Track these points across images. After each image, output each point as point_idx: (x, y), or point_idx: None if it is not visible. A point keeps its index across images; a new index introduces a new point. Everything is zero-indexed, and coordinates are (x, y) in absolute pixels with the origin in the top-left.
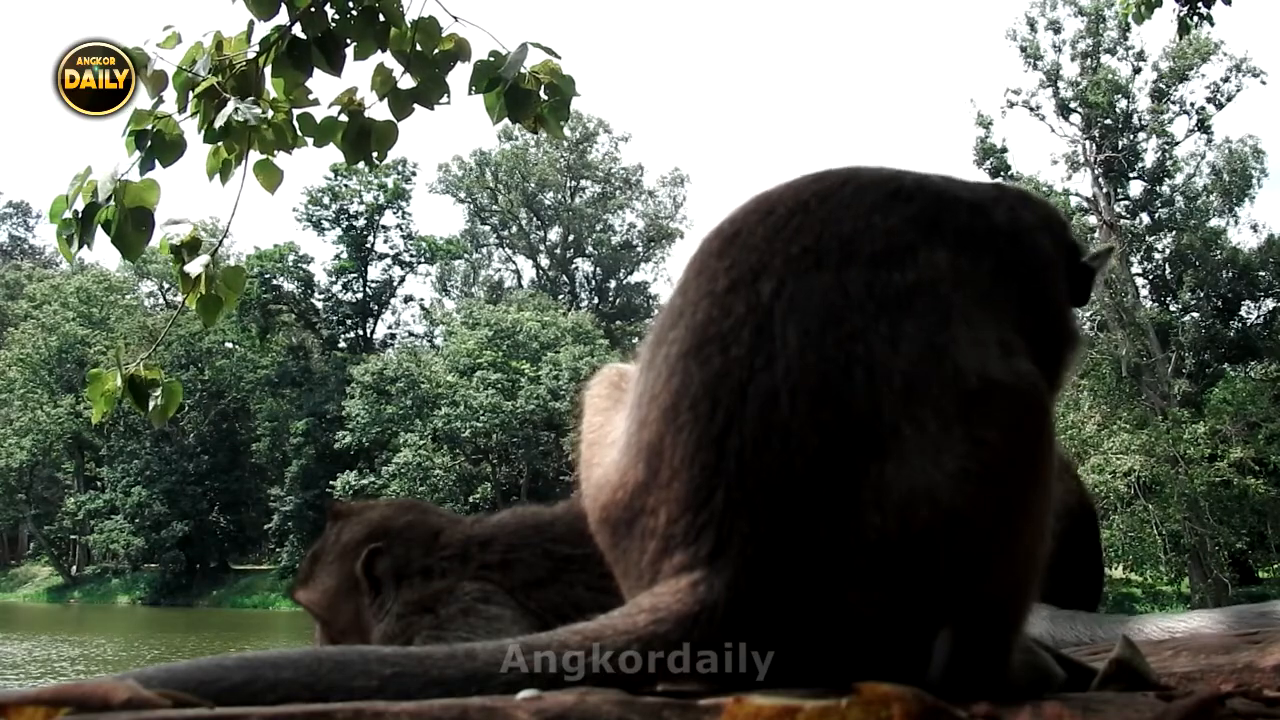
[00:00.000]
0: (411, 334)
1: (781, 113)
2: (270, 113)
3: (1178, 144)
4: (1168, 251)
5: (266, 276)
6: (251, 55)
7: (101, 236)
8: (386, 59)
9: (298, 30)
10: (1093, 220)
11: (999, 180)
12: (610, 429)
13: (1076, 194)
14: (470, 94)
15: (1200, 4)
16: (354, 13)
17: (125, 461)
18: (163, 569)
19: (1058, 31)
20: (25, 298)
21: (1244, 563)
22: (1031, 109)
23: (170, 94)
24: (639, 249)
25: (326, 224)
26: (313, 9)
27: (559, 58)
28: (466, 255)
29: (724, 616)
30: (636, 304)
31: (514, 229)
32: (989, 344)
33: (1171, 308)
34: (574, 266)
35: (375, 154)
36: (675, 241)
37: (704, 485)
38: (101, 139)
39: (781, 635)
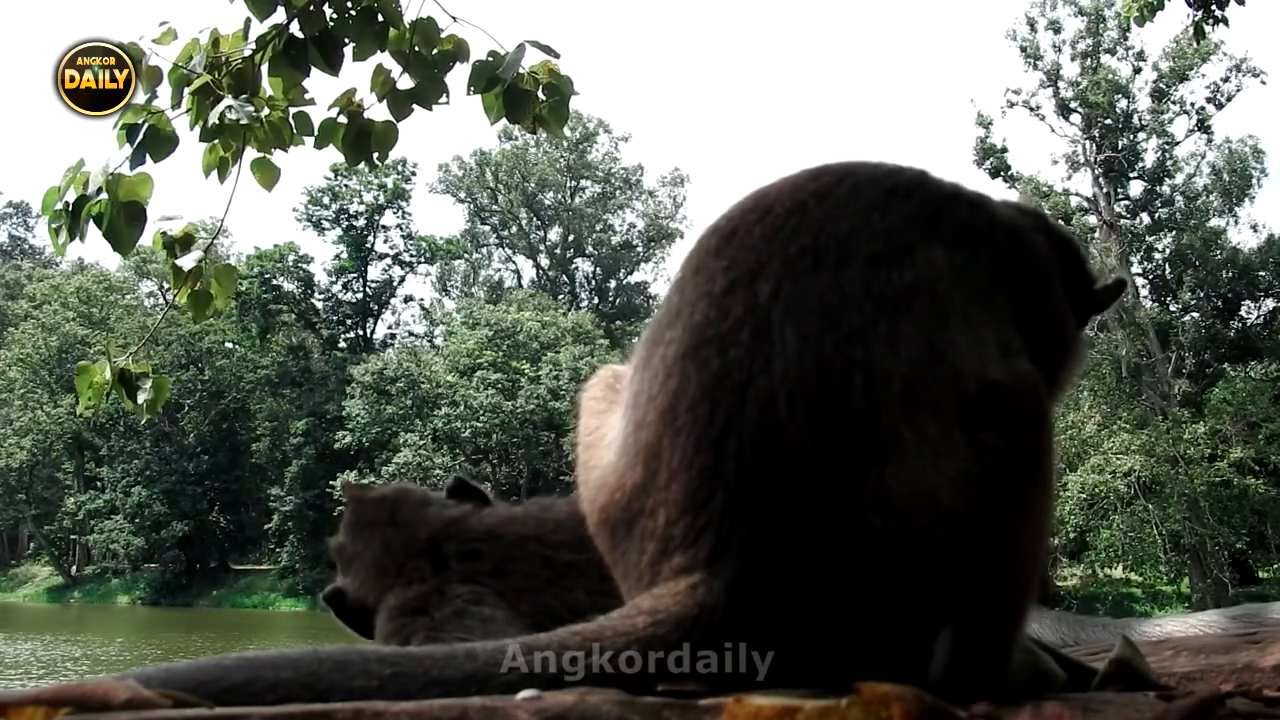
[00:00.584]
0: (411, 334)
1: (781, 113)
2: (266, 111)
3: (1178, 144)
4: (1168, 251)
5: (266, 276)
6: (248, 53)
7: (94, 231)
8: (385, 59)
9: (295, 29)
10: (1093, 220)
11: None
12: (607, 431)
13: (1076, 194)
14: (469, 94)
15: (1214, 6)
16: (352, 12)
17: (125, 461)
18: (163, 569)
19: (1058, 31)
20: (25, 298)
21: (1244, 563)
22: (1031, 109)
23: (165, 89)
24: (639, 249)
25: (326, 224)
26: (310, 8)
27: (558, 57)
28: (466, 255)
29: (723, 618)
30: (636, 304)
31: (514, 229)
32: (988, 344)
33: (1171, 308)
34: (574, 266)
35: (376, 155)
36: (675, 241)
37: (703, 487)
38: (102, 139)
39: (781, 636)
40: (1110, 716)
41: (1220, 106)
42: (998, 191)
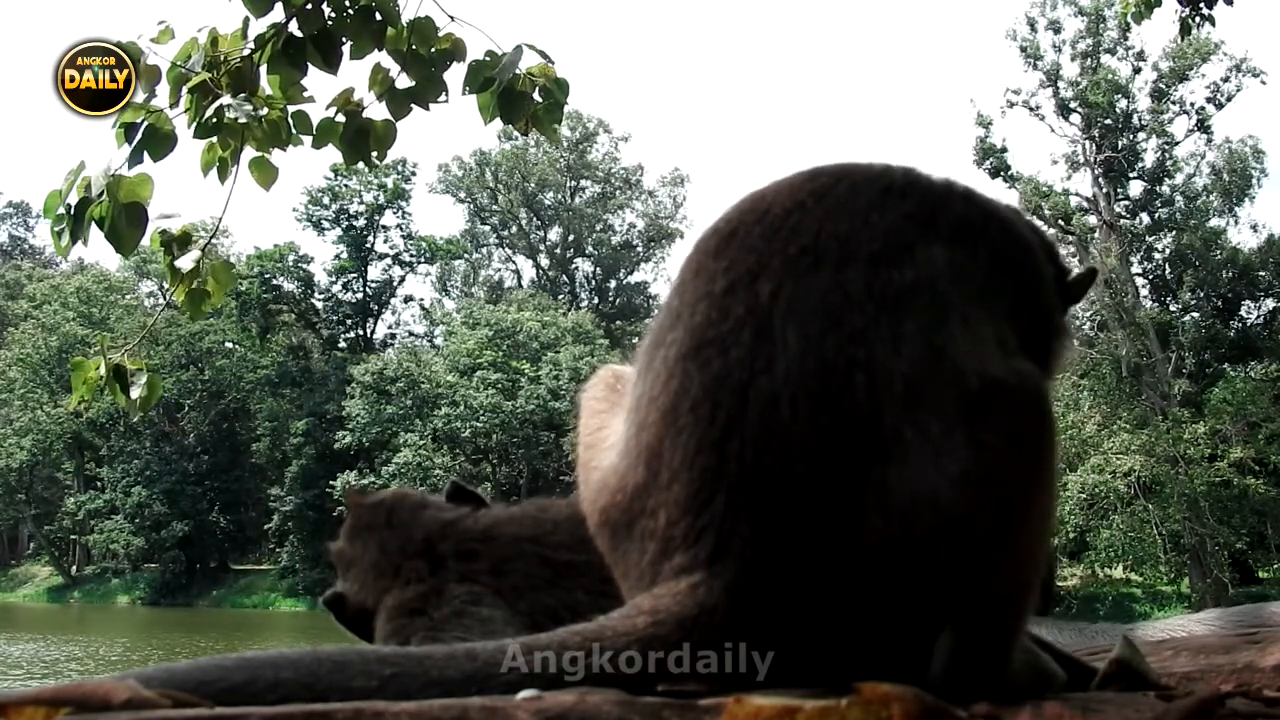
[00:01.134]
0: (411, 334)
1: (781, 113)
2: (264, 110)
3: (1178, 144)
4: (1168, 251)
5: (266, 276)
6: (247, 52)
7: (95, 232)
8: (383, 58)
9: (294, 28)
10: (1093, 220)
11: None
12: (608, 431)
13: (1076, 194)
14: (464, 94)
15: (1202, 4)
16: (350, 11)
17: (125, 461)
18: (163, 569)
19: (1058, 31)
20: (25, 298)
21: (1244, 563)
22: (1031, 109)
23: (163, 88)
24: (639, 249)
25: (326, 224)
26: (308, 6)
27: (553, 61)
28: (466, 255)
29: (724, 618)
30: (636, 304)
31: (514, 229)
32: (988, 342)
33: (1171, 308)
34: (574, 266)
35: (374, 154)
36: (675, 241)
37: (704, 488)
38: (101, 139)
39: (781, 637)
40: (1110, 716)
41: (1220, 106)
42: (998, 191)
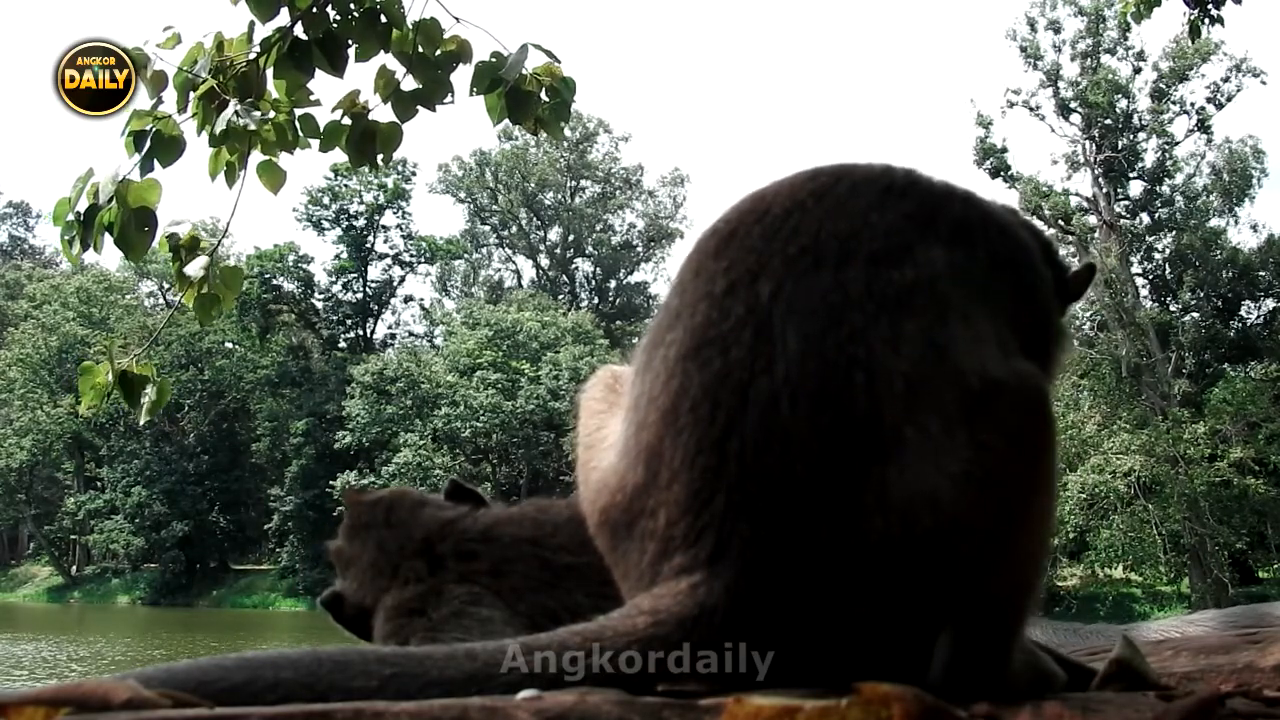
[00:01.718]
0: (411, 334)
1: (781, 113)
2: (271, 114)
3: (1178, 144)
4: (1168, 251)
5: (266, 276)
6: (253, 56)
7: (106, 239)
8: (388, 60)
9: (299, 31)
10: (1093, 220)
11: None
12: (608, 431)
13: (1076, 194)
14: (471, 95)
15: (1210, 5)
16: (355, 14)
17: (125, 461)
18: (163, 569)
19: (1058, 31)
20: (25, 298)
21: (1244, 563)
22: (1031, 109)
23: (170, 94)
24: (639, 249)
25: (326, 224)
26: (314, 10)
27: (559, 61)
28: (466, 255)
29: (724, 618)
30: (636, 304)
31: (514, 229)
32: (988, 342)
33: (1171, 308)
34: (574, 266)
35: (380, 156)
36: (675, 241)
37: (704, 488)
38: (102, 139)
39: (781, 637)
40: (1110, 716)
41: (1220, 106)
42: (998, 191)
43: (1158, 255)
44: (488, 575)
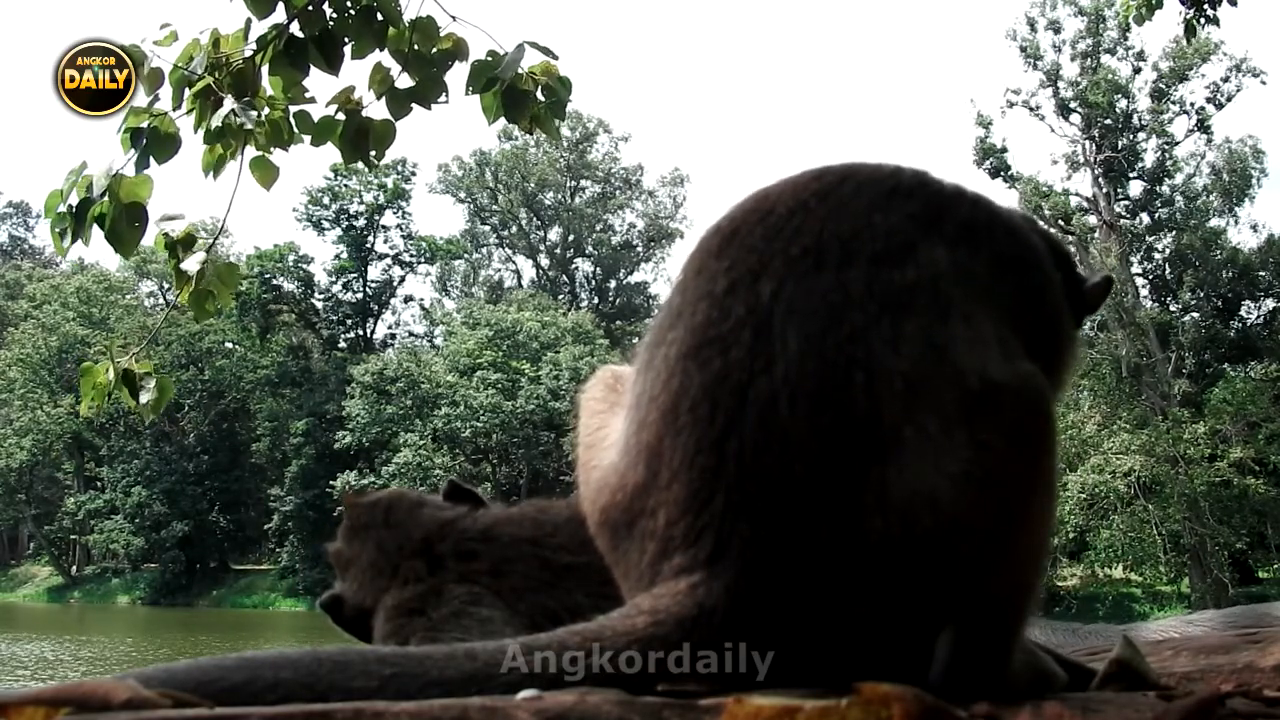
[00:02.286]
0: (411, 334)
1: (782, 113)
2: (266, 111)
3: (1178, 144)
4: (1168, 251)
5: (266, 276)
6: (249, 53)
7: (96, 232)
8: (384, 58)
9: (295, 29)
10: (1093, 220)
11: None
12: (608, 431)
13: (1076, 194)
14: (467, 94)
15: (1206, 5)
16: (351, 12)
17: (125, 461)
18: (163, 569)
19: (1058, 31)
20: (25, 298)
21: (1244, 563)
22: (1031, 109)
23: (166, 91)
24: (639, 249)
25: (326, 224)
26: (310, 7)
27: (556, 59)
28: (466, 255)
29: (723, 618)
30: (636, 304)
31: (514, 229)
32: (989, 343)
33: (1171, 308)
34: (574, 266)
35: (374, 153)
36: (675, 241)
37: (704, 488)
38: (102, 139)
39: (781, 637)
40: (1110, 716)
41: (1220, 106)
42: (998, 191)
43: (1158, 255)
44: (488, 575)
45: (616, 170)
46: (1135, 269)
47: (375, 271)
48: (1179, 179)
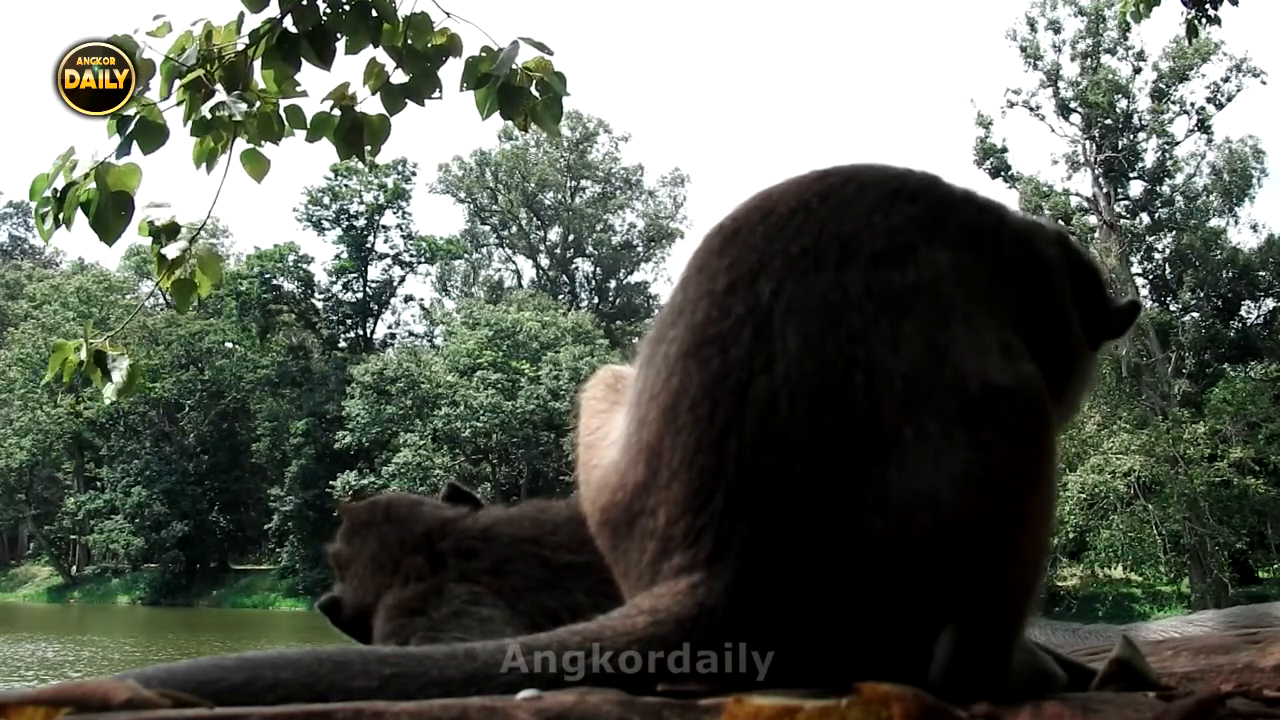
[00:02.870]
0: (411, 334)
1: (782, 113)
2: (257, 104)
3: (1178, 144)
4: (1168, 251)
5: (266, 276)
6: (241, 47)
7: (80, 220)
8: (378, 54)
9: (288, 23)
10: (1093, 220)
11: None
12: (609, 430)
13: (1076, 194)
14: (462, 90)
15: (1208, 5)
16: (345, 7)
17: (125, 461)
18: (163, 569)
19: (1058, 31)
20: (25, 298)
21: (1244, 563)
22: (1031, 109)
23: (156, 81)
24: (639, 249)
25: (326, 224)
26: (304, 2)
27: (551, 54)
28: (466, 255)
29: (723, 618)
30: (636, 304)
31: (514, 229)
32: (990, 345)
33: (1171, 308)
34: (574, 266)
35: (369, 149)
36: (675, 241)
37: (703, 487)
38: (100, 138)
39: (781, 637)
40: (1110, 716)
41: (1220, 106)
42: (998, 191)
43: (1158, 255)
44: (488, 574)
45: (617, 170)
46: (1135, 269)
47: (375, 271)
48: (1179, 179)
